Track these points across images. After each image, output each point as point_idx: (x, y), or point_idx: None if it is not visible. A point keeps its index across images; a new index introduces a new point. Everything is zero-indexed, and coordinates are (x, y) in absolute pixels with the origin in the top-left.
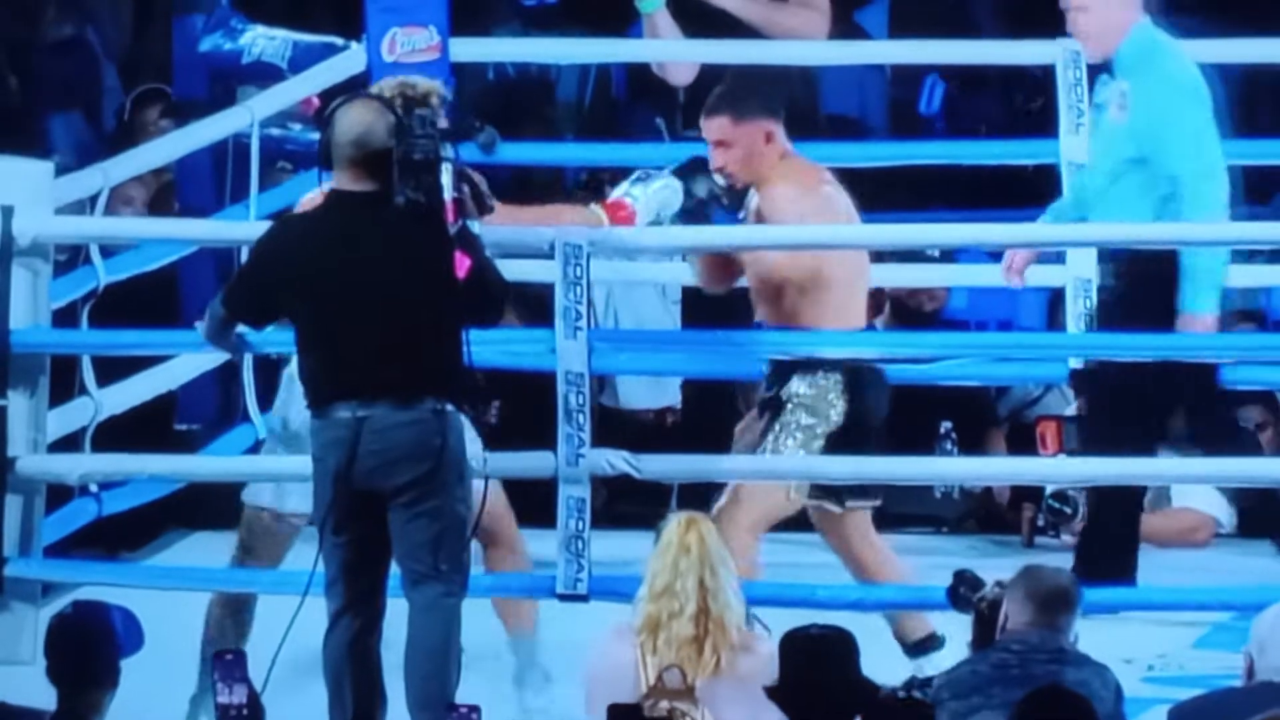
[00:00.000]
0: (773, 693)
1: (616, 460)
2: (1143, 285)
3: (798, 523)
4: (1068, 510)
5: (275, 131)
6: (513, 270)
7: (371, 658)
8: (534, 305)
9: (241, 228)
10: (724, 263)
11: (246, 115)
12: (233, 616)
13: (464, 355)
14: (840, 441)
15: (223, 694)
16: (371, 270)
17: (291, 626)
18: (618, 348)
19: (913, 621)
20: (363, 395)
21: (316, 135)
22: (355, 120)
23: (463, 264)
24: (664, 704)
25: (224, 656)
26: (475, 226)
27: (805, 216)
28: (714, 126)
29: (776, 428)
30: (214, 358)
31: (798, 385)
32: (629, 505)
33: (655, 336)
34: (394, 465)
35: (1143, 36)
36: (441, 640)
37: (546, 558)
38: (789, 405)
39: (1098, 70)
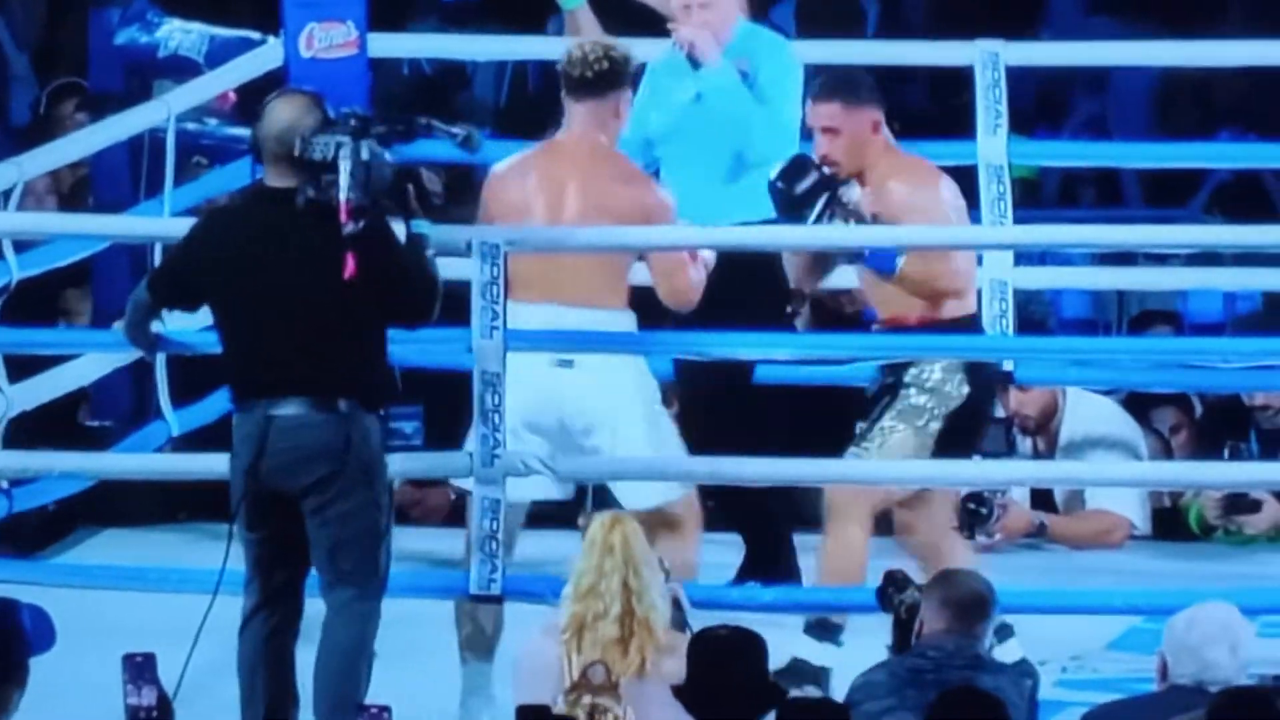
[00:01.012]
0: (679, 692)
1: (532, 460)
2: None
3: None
4: (983, 511)
5: (191, 126)
6: None
7: (285, 656)
8: None
9: (156, 223)
10: (820, 259)
11: (163, 110)
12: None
13: (381, 357)
14: (961, 422)
15: (132, 696)
16: (284, 267)
17: (203, 626)
18: (535, 348)
19: None
20: (274, 393)
21: (233, 130)
22: (280, 115)
23: (349, 267)
24: (586, 699)
25: (134, 658)
26: (424, 226)
27: (921, 213)
28: (824, 112)
29: (891, 411)
30: (127, 354)
31: (922, 368)
32: (544, 505)
33: (571, 336)
34: (299, 465)
35: (750, 28)
36: (351, 644)
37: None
38: (909, 389)
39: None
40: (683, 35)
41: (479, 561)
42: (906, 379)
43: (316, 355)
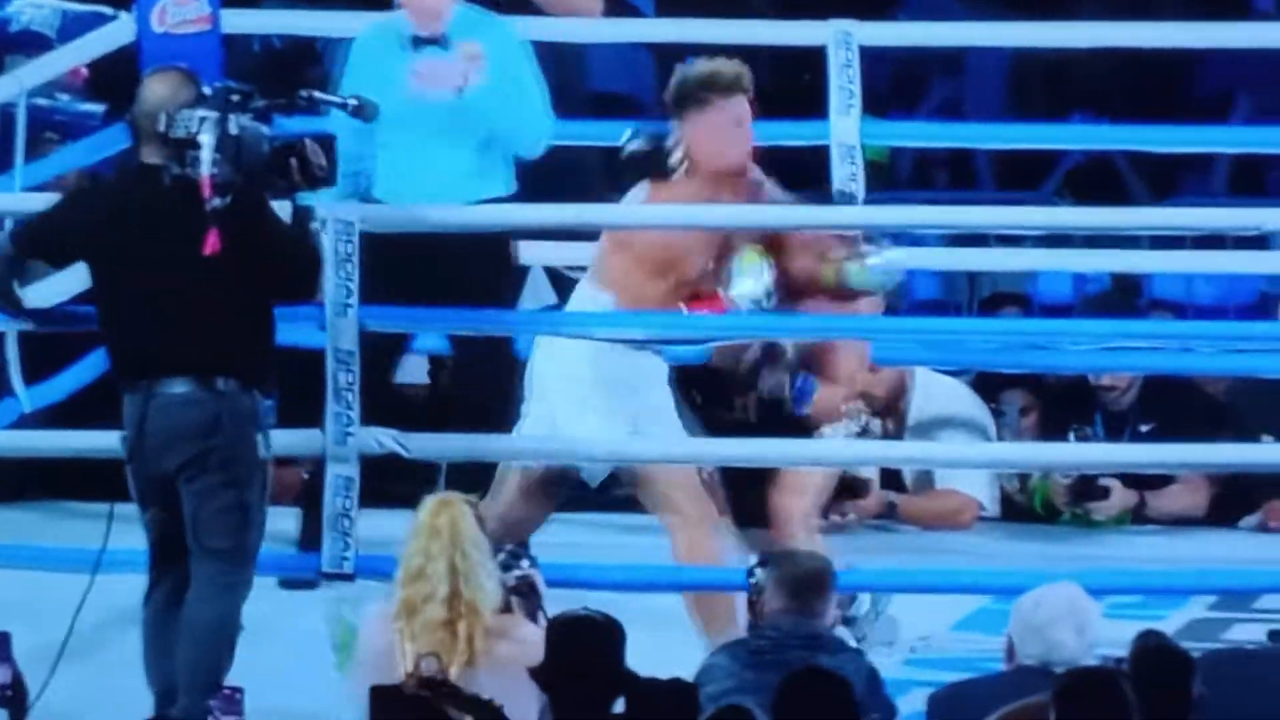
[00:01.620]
0: (535, 673)
1: (385, 439)
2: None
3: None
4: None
5: (43, 102)
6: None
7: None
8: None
9: (7, 199)
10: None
11: (14, 85)
12: None
13: (262, 334)
14: None
15: None
16: (156, 245)
17: (82, 605)
18: (387, 325)
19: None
20: (156, 372)
21: (85, 106)
22: (153, 92)
23: (211, 242)
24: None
25: None
26: (309, 199)
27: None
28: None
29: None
30: None
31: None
32: (400, 485)
33: (426, 315)
34: (174, 444)
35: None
36: (213, 618)
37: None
38: None
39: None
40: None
41: (331, 540)
42: None
43: (193, 334)
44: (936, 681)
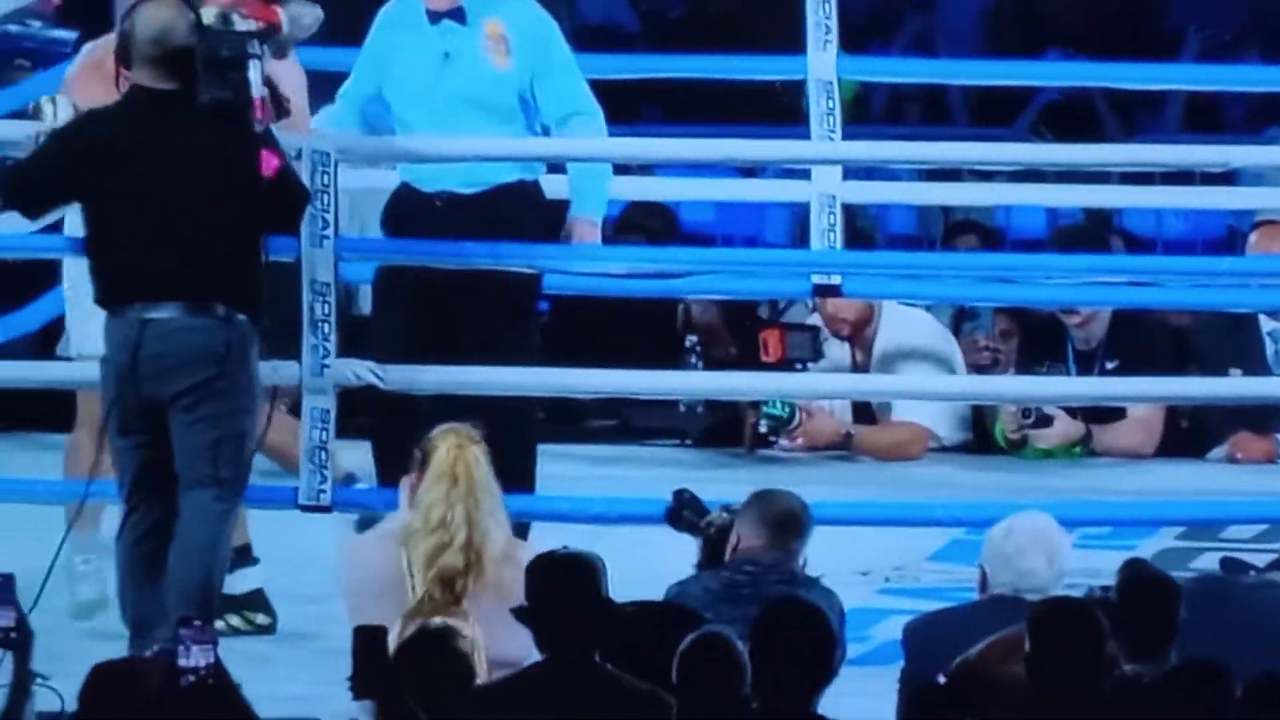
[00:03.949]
0: (520, 614)
1: (362, 370)
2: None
3: (550, 435)
4: (783, 416)
5: (14, 29)
6: None
7: (157, 559)
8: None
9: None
10: None
11: None
12: None
13: (256, 262)
14: None
15: None
16: (169, 171)
17: (65, 540)
18: (365, 257)
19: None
20: (151, 297)
21: (56, 33)
22: (154, 17)
23: (270, 163)
24: (436, 620)
25: None
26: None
27: None
28: None
29: None
30: None
31: None
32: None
33: (402, 247)
34: (175, 370)
35: None
36: (205, 540)
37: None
38: None
39: None
40: None
41: (309, 472)
42: None
43: (194, 259)
44: (911, 611)
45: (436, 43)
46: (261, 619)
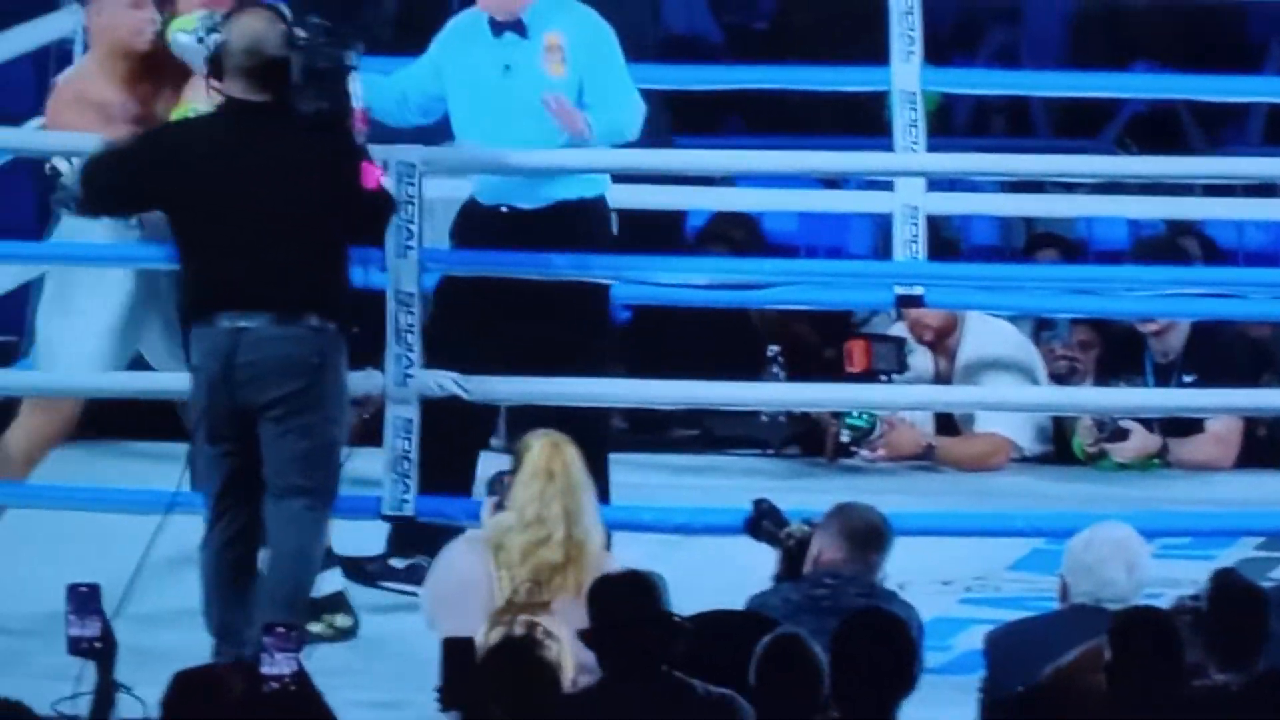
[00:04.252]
0: (585, 636)
1: (445, 381)
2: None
3: (633, 445)
4: (865, 426)
5: None
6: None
7: (243, 567)
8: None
9: (60, 135)
10: None
11: (70, 20)
12: None
13: (345, 273)
14: None
15: (75, 627)
16: (264, 182)
17: (153, 544)
18: (448, 268)
19: None
20: (243, 306)
21: None
22: (248, 28)
23: (373, 175)
24: (522, 616)
25: (79, 589)
26: None
27: None
28: None
29: None
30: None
31: None
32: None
33: (485, 258)
34: (268, 379)
35: None
36: (298, 546)
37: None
38: None
39: None
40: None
41: (392, 482)
42: None
43: (288, 269)
44: (991, 620)
45: (498, 55)
46: (342, 621)
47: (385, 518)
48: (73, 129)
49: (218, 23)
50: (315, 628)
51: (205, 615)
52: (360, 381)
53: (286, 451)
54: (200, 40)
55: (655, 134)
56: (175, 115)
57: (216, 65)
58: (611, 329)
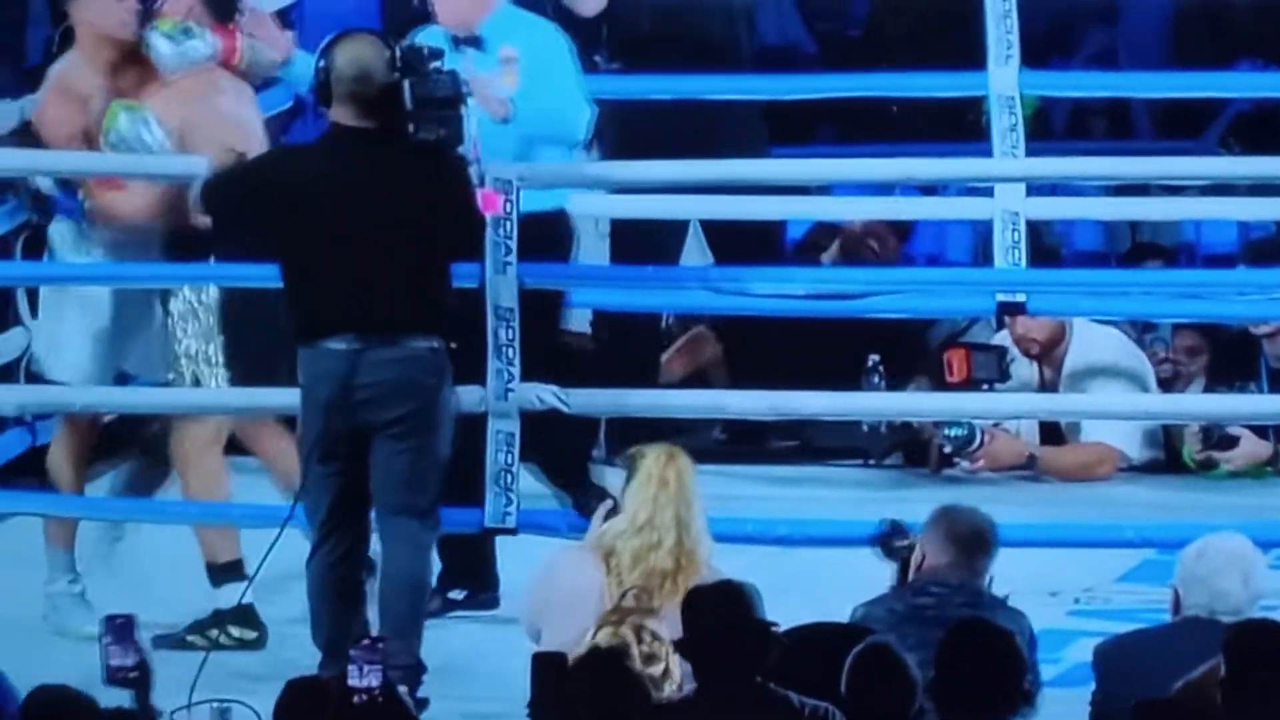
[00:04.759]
0: (680, 646)
1: (546, 394)
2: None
3: (730, 455)
4: (964, 437)
5: None
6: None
7: (352, 585)
8: None
9: (184, 161)
10: None
11: None
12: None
13: (448, 291)
14: None
15: (115, 657)
16: (375, 208)
17: (267, 557)
18: (545, 284)
19: (222, 543)
20: (359, 329)
21: None
22: (356, 56)
23: (492, 202)
24: (631, 619)
25: (115, 620)
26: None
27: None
28: None
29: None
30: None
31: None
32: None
33: (585, 271)
34: (389, 399)
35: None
36: (419, 573)
37: None
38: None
39: None
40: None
41: (494, 495)
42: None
43: (401, 292)
44: (1102, 633)
45: (458, 69)
46: (243, 633)
47: (488, 530)
48: (55, 121)
49: (192, 28)
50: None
51: (313, 631)
52: (461, 396)
53: (400, 470)
54: (176, 45)
55: (752, 145)
56: (121, 116)
57: (324, 92)
58: (556, 343)
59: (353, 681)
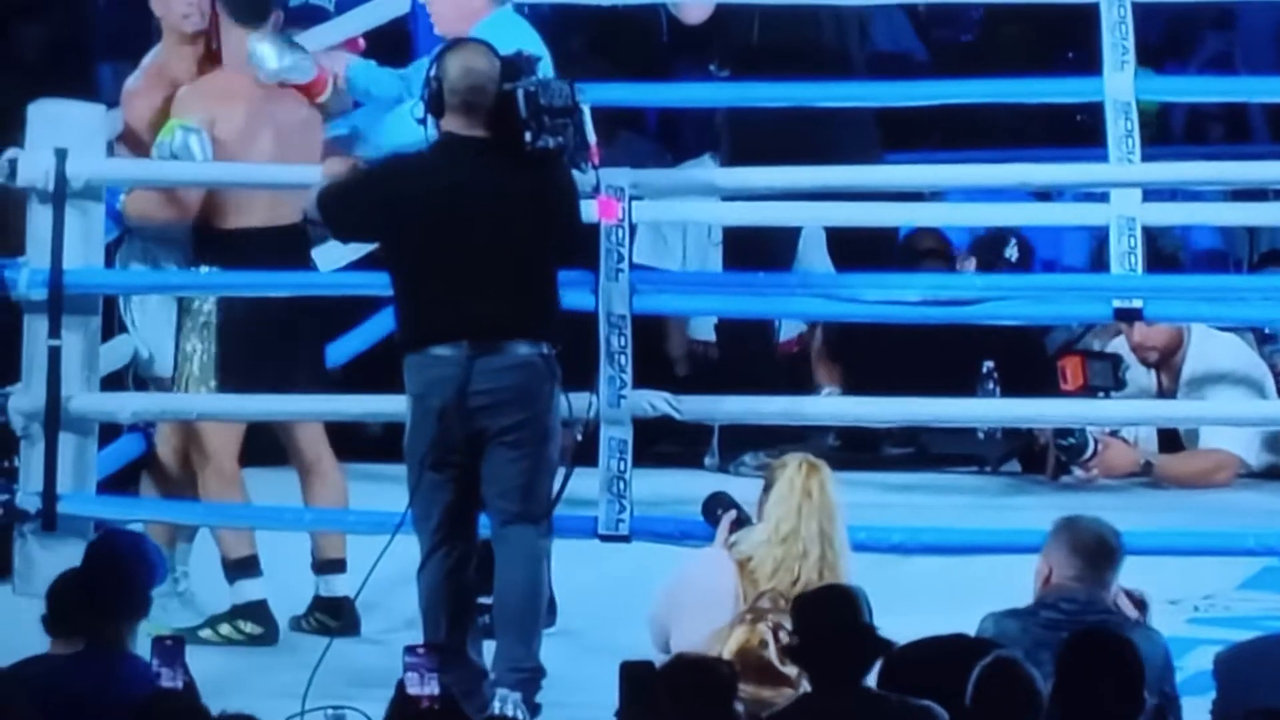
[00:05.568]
0: (788, 651)
1: (658, 401)
2: None
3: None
4: (1075, 442)
5: None
6: None
7: (466, 590)
8: None
9: (307, 171)
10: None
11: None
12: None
13: (557, 297)
14: None
15: (165, 679)
16: (490, 217)
17: (378, 562)
18: (660, 289)
19: (237, 540)
20: (474, 336)
21: None
22: (469, 67)
23: (610, 208)
24: (769, 618)
25: (164, 641)
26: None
27: None
28: None
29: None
30: None
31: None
32: (669, 445)
33: (697, 278)
34: (506, 406)
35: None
36: (537, 581)
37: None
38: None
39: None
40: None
41: (607, 502)
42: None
43: (516, 299)
44: (1222, 640)
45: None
46: (252, 629)
47: (603, 538)
48: (142, 110)
49: (298, 45)
50: (224, 630)
51: (428, 638)
52: (575, 403)
53: (514, 476)
54: (280, 57)
55: (865, 152)
56: (176, 132)
57: (436, 102)
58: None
59: (412, 690)
